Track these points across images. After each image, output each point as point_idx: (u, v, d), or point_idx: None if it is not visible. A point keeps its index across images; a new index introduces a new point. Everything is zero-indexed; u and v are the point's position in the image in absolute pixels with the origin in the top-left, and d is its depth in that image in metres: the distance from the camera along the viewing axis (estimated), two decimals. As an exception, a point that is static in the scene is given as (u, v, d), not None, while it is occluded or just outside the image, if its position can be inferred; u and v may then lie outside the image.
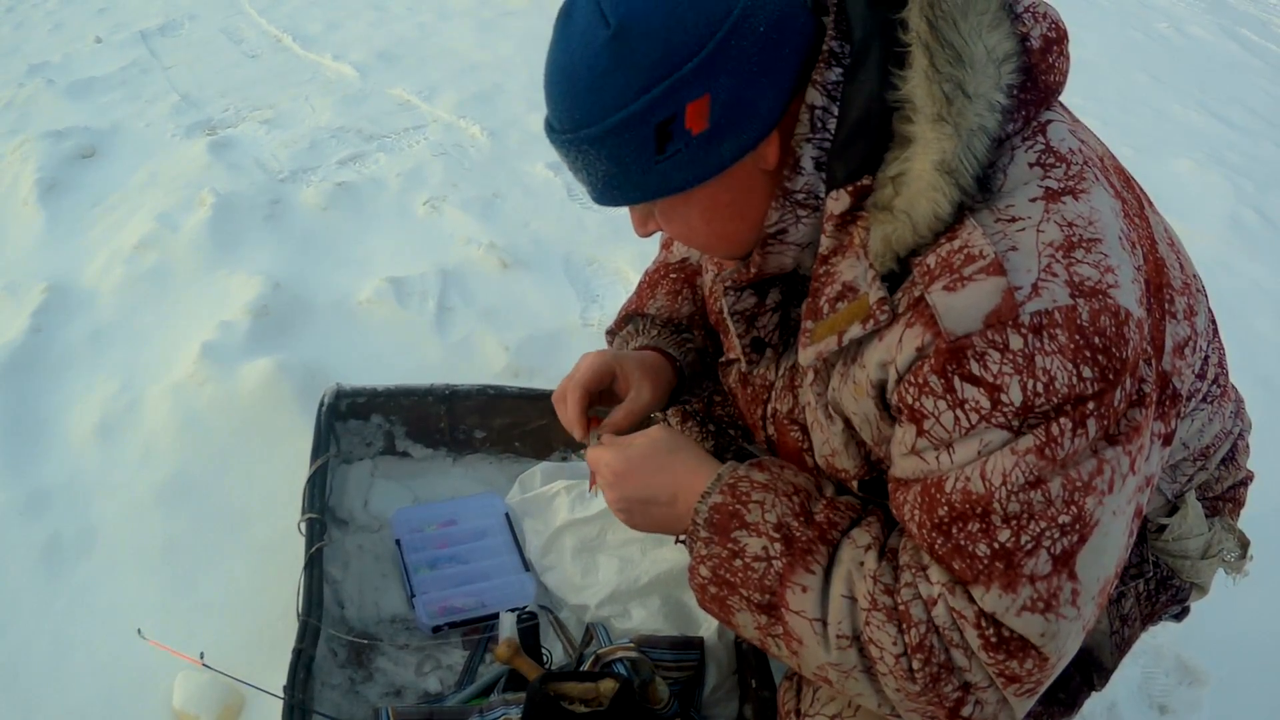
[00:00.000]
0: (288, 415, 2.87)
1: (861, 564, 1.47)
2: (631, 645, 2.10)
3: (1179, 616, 1.87)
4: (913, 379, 1.34)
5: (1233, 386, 1.77)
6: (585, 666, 2.10)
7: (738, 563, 1.53)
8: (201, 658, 1.96)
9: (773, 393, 1.74)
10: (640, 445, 1.70)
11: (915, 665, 1.40)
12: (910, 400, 1.35)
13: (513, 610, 2.31)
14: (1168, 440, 1.43)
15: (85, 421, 2.92)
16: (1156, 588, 1.76)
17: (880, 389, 1.42)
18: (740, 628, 1.58)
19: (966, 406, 1.30)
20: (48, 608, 2.40)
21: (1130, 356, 1.28)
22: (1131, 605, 1.76)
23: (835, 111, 1.42)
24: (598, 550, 2.50)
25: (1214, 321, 1.66)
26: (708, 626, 2.33)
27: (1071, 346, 1.25)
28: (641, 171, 1.41)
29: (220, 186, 4.07)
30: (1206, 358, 1.60)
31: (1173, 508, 1.72)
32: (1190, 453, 1.68)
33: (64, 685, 2.24)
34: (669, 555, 2.45)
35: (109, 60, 5.53)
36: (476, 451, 2.85)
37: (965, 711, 1.40)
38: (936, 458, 1.36)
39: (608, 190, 1.47)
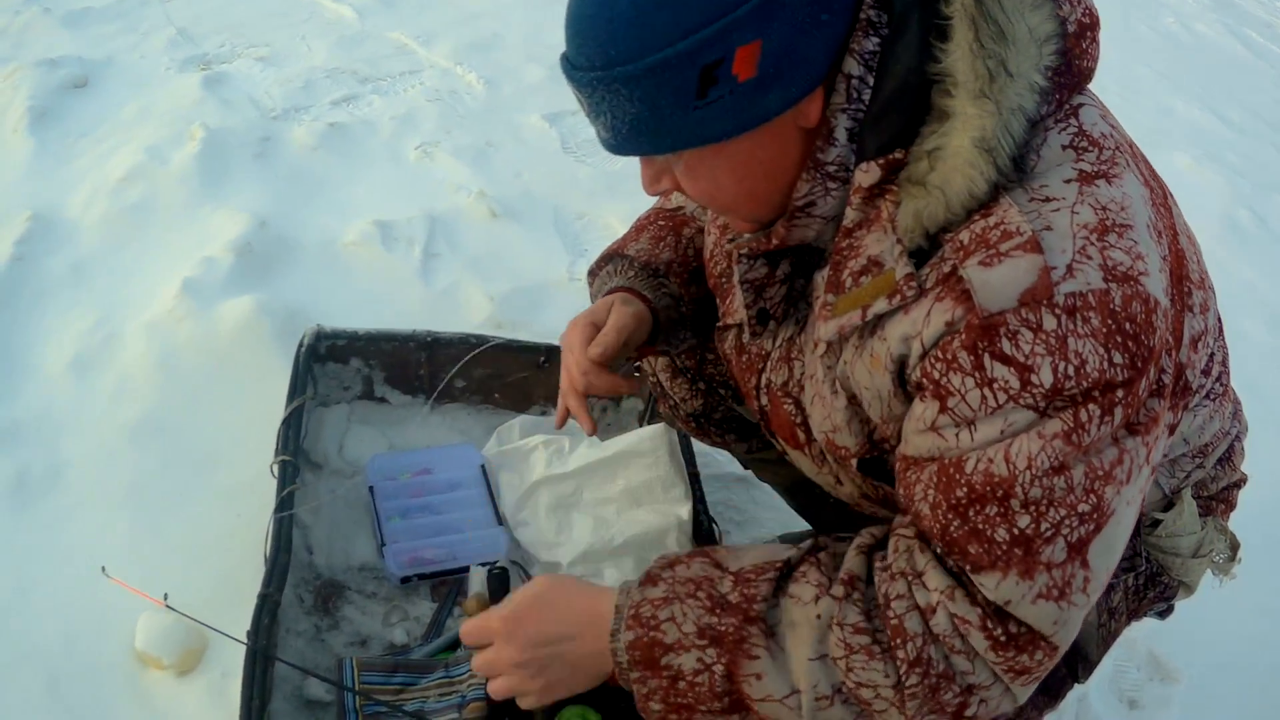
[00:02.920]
0: (266, 355, 2.84)
1: (819, 618, 1.43)
2: (602, 607, 2.08)
3: (1163, 614, 1.86)
4: (940, 354, 1.32)
5: (1232, 387, 1.75)
6: (554, 625, 2.08)
7: (681, 684, 1.47)
8: (165, 599, 1.93)
9: (768, 363, 1.71)
10: (523, 595, 1.60)
11: (912, 682, 1.37)
12: (936, 376, 1.33)
13: (483, 565, 2.29)
14: (1172, 430, 1.43)
15: (61, 355, 2.89)
16: (1145, 583, 1.75)
17: (900, 364, 1.40)
18: None
19: (995, 385, 1.28)
20: (11, 543, 2.37)
21: (1157, 345, 1.28)
22: (1120, 599, 1.74)
23: (870, 82, 1.38)
24: (573, 507, 2.48)
25: (1220, 320, 1.65)
26: (680, 592, 2.31)
27: (1104, 331, 1.24)
28: (677, 117, 1.34)
29: (211, 122, 4.02)
30: (1212, 355, 1.59)
31: (1168, 504, 1.71)
32: (1190, 449, 1.66)
33: (25, 623, 2.22)
34: (644, 517, 2.43)
35: (107, -10, 5.48)
36: (455, 401, 2.82)
37: (970, 713, 1.40)
38: (956, 435, 1.34)
39: (632, 137, 1.39)
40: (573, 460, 2.53)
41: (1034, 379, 1.25)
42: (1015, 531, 1.30)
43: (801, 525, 2.50)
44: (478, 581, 2.25)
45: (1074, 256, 1.25)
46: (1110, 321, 1.24)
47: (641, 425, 2.73)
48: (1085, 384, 1.25)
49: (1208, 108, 6.44)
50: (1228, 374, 1.70)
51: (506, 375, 2.78)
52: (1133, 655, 2.64)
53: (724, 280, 1.76)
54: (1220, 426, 1.69)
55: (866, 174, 1.38)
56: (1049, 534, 1.30)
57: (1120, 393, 1.26)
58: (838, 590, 1.44)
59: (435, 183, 3.98)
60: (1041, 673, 1.38)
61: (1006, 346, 1.26)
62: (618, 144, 1.42)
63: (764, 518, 2.72)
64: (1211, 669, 2.65)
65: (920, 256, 1.35)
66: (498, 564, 2.31)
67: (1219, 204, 5.11)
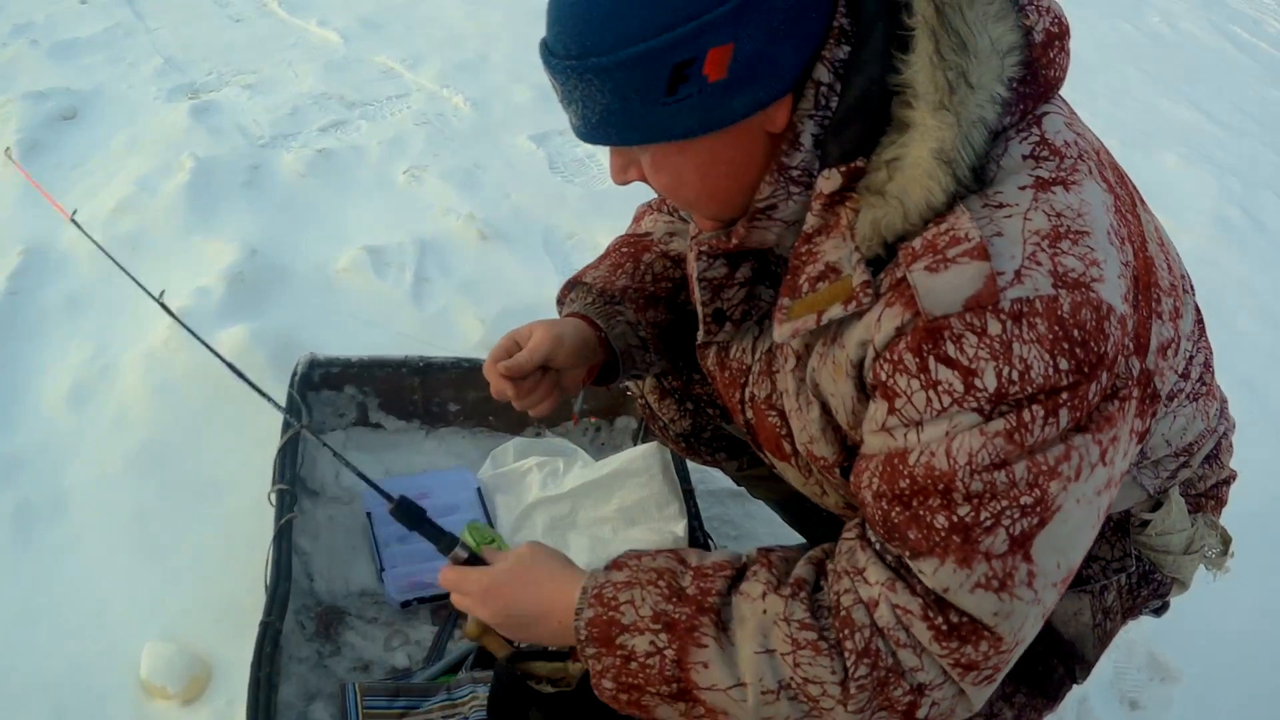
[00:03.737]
0: (261, 383, 2.81)
1: (765, 613, 1.45)
2: (601, 626, 2.08)
3: (1159, 611, 1.87)
4: (888, 356, 1.33)
5: (1217, 386, 1.75)
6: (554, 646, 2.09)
7: (633, 665, 1.50)
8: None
9: (750, 376, 1.73)
10: (505, 564, 1.67)
11: (861, 673, 1.37)
12: (884, 377, 1.34)
13: (483, 587, 2.30)
14: (1141, 438, 1.41)
15: (58, 387, 2.91)
16: (1139, 582, 1.75)
17: (859, 368, 1.41)
18: None
19: (940, 388, 1.29)
20: (15, 575, 2.39)
21: (1110, 352, 1.27)
22: (1114, 599, 1.74)
23: (838, 89, 1.39)
24: (569, 528, 2.49)
25: (1201, 321, 1.65)
26: (678, 609, 2.32)
27: (1050, 337, 1.24)
28: (645, 111, 1.37)
29: (200, 151, 4.04)
30: (1191, 357, 1.59)
31: (1156, 503, 1.70)
32: (1172, 450, 1.65)
33: (31, 654, 2.23)
34: (640, 535, 2.44)
35: (93, 21, 5.46)
36: (450, 425, 2.84)
37: (921, 714, 1.39)
38: (905, 435, 1.34)
39: (601, 127, 1.41)
40: (568, 481, 2.54)
41: (977, 383, 1.26)
42: (954, 519, 1.31)
43: (796, 539, 2.51)
44: (477, 604, 2.26)
45: (1023, 262, 1.26)
46: (1057, 328, 1.24)
47: (636, 444, 2.74)
48: (1030, 389, 1.25)
49: (1196, 106, 6.44)
50: (1211, 373, 1.70)
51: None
52: (1133, 656, 2.64)
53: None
54: (1205, 426, 1.69)
55: (828, 181, 1.39)
56: (988, 524, 1.30)
57: (1065, 395, 1.26)
58: (785, 590, 1.46)
59: (424, 206, 3.99)
60: (992, 670, 1.37)
61: (951, 350, 1.27)
62: (587, 133, 1.44)
63: (760, 532, 2.73)
64: (1212, 669, 2.65)
65: (877, 265, 1.36)
66: (496, 586, 2.32)
67: (1209, 202, 5.11)
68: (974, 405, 1.27)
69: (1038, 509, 1.29)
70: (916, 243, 1.31)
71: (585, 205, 4.15)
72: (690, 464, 2.55)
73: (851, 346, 1.40)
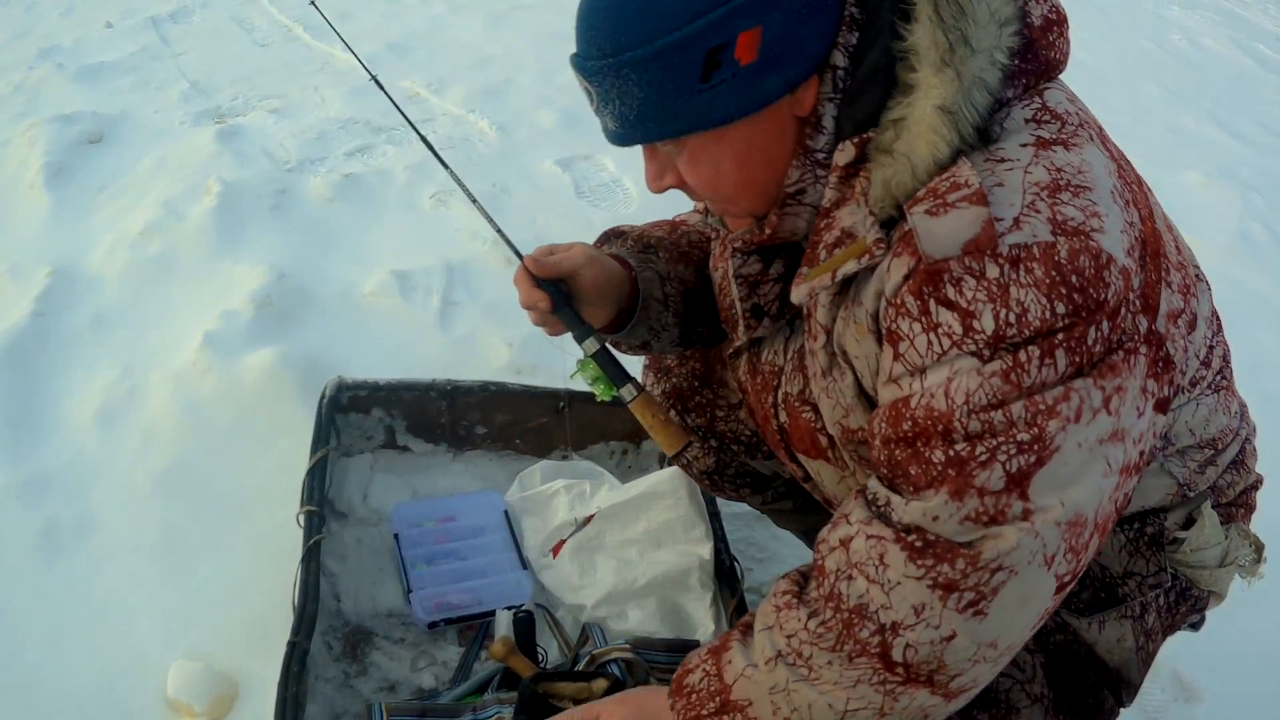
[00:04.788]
0: (289, 406, 2.86)
1: (763, 601, 1.54)
2: (627, 646, 2.09)
3: (1196, 626, 1.87)
4: (894, 301, 1.37)
5: (1236, 390, 1.77)
6: (580, 666, 2.10)
7: (694, 697, 1.56)
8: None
9: (782, 377, 1.77)
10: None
11: (826, 615, 1.42)
12: (889, 323, 1.39)
13: (509, 608, 2.31)
14: (1161, 406, 1.42)
15: (86, 407, 2.92)
16: (1176, 600, 1.76)
17: (876, 320, 1.45)
18: None
19: (939, 330, 1.32)
20: (44, 594, 2.40)
21: (1110, 300, 1.30)
22: (1154, 619, 1.75)
23: (852, 71, 1.46)
24: (596, 550, 2.49)
25: (1218, 317, 1.68)
26: (704, 630, 2.32)
27: (1047, 281, 1.28)
28: (683, 100, 1.43)
29: (227, 175, 4.06)
30: (1211, 347, 1.63)
31: (1189, 520, 1.72)
32: (1196, 440, 1.67)
33: (59, 672, 2.24)
34: (667, 558, 2.44)
35: (119, 46, 5.53)
36: (477, 448, 2.84)
37: (896, 655, 1.39)
38: (909, 384, 1.38)
39: (640, 123, 1.47)
40: (594, 503, 2.54)
41: (976, 324, 1.29)
42: (951, 454, 1.33)
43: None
44: (504, 625, 2.26)
45: (1022, 210, 1.30)
46: (1054, 272, 1.28)
47: (662, 467, 2.74)
48: (1027, 332, 1.28)
49: (1218, 123, 6.43)
50: (1230, 370, 1.73)
51: (527, 421, 2.80)
52: (1156, 675, 2.62)
53: (733, 310, 1.80)
54: (1227, 423, 1.71)
55: (843, 153, 1.46)
56: (984, 458, 1.32)
57: (1061, 337, 1.29)
58: (781, 578, 1.54)
59: (451, 230, 4.00)
60: (975, 595, 1.35)
61: (950, 292, 1.31)
62: (626, 132, 1.50)
63: (785, 554, 2.72)
64: (1236, 688, 2.62)
65: (890, 226, 1.41)
66: (523, 607, 2.33)
67: (1232, 219, 5.08)
68: (972, 348, 1.31)
69: (1035, 447, 1.30)
70: (920, 191, 1.36)
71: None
72: (716, 488, 2.56)
73: (868, 300, 1.44)
